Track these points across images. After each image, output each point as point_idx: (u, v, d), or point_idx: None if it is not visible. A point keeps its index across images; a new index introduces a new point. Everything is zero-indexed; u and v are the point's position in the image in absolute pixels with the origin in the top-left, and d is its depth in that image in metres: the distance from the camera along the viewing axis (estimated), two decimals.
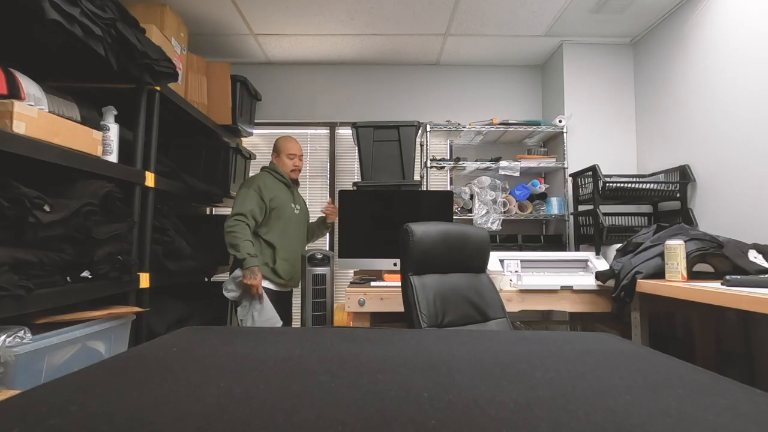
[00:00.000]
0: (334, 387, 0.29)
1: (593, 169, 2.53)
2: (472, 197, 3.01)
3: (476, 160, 3.06)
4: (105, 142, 1.60)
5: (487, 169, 3.04)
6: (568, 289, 2.16)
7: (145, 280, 1.76)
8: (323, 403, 0.26)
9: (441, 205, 2.49)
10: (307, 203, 2.68)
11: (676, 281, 1.76)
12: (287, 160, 2.35)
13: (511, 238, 2.98)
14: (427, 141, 3.00)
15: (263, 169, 2.39)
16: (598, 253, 2.55)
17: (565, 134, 2.99)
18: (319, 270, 2.22)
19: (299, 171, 2.41)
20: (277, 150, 2.40)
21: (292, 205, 2.34)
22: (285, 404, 0.26)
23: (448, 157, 3.30)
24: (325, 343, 0.43)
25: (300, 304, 2.25)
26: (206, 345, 0.43)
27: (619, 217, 2.73)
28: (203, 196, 2.47)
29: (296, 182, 2.44)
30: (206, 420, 0.24)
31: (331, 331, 0.50)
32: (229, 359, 0.37)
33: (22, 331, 1.11)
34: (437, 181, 3.37)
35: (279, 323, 2.20)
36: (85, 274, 1.45)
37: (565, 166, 2.96)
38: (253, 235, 2.22)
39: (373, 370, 0.33)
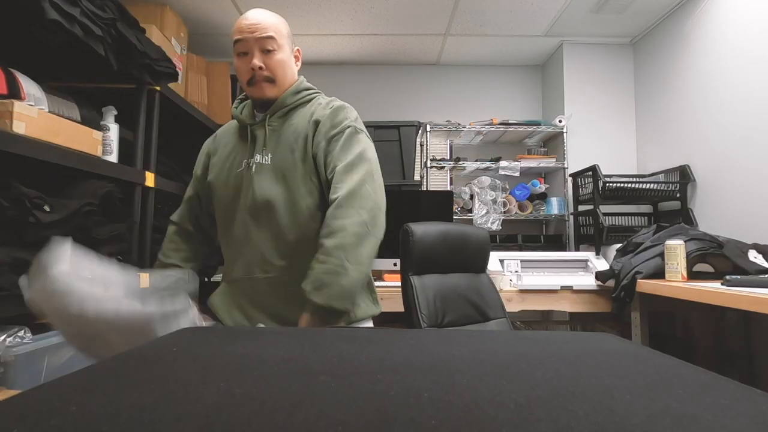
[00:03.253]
0: (334, 387, 0.29)
1: (593, 169, 2.53)
2: (472, 197, 3.01)
3: (476, 160, 3.06)
4: (105, 142, 1.60)
5: (487, 169, 3.04)
6: (568, 289, 2.16)
7: (144, 281, 1.75)
8: (323, 403, 0.26)
9: (441, 205, 2.49)
10: None
11: (676, 281, 1.76)
12: (238, 65, 1.14)
13: (511, 238, 2.98)
14: (427, 141, 3.00)
15: None
16: (598, 253, 2.55)
17: (565, 134, 2.99)
18: None
19: (269, 80, 1.13)
20: None
21: (246, 162, 1.14)
22: (285, 404, 0.26)
23: (448, 157, 3.30)
24: (325, 343, 0.43)
25: None
26: (206, 345, 0.43)
27: (619, 217, 2.73)
28: None
29: (268, 102, 1.15)
30: (206, 420, 0.24)
31: (331, 332, 0.50)
32: (229, 359, 0.37)
33: (22, 331, 1.11)
34: (437, 181, 3.37)
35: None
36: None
37: (565, 166, 2.97)
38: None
39: (373, 370, 0.33)
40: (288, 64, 1.17)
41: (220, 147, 1.25)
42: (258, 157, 1.13)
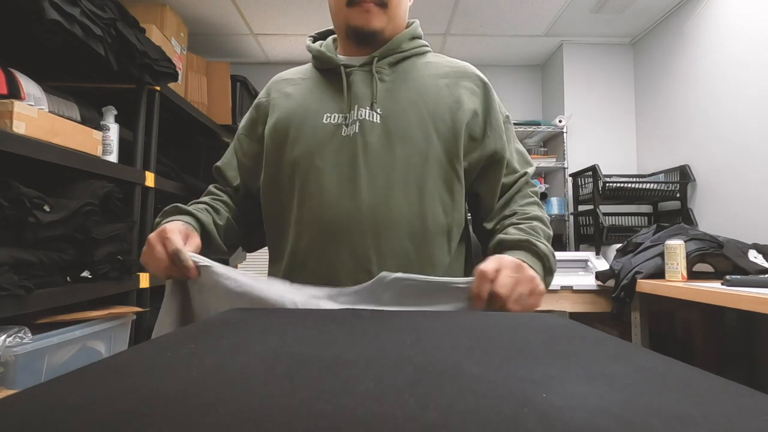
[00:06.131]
0: (333, 370, 0.30)
1: (593, 169, 2.53)
2: None
3: None
4: (105, 142, 1.60)
5: None
6: (568, 289, 2.16)
7: (145, 280, 1.76)
8: (322, 377, 0.27)
9: None
10: None
11: (676, 281, 1.76)
12: None
13: None
14: None
15: None
16: (598, 253, 2.55)
17: (565, 134, 2.99)
18: None
19: (381, 3, 0.82)
20: None
21: (326, 119, 0.81)
22: (286, 392, 0.27)
23: None
24: (326, 331, 0.44)
25: None
26: (208, 342, 0.43)
27: (619, 217, 2.73)
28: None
29: (372, 36, 0.84)
30: (209, 417, 0.24)
31: (330, 322, 0.51)
32: (232, 356, 0.37)
33: (22, 331, 1.12)
34: None
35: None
36: (85, 274, 1.45)
37: (565, 166, 2.97)
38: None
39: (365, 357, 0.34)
40: None
41: (282, 96, 0.88)
42: (363, 113, 0.79)
